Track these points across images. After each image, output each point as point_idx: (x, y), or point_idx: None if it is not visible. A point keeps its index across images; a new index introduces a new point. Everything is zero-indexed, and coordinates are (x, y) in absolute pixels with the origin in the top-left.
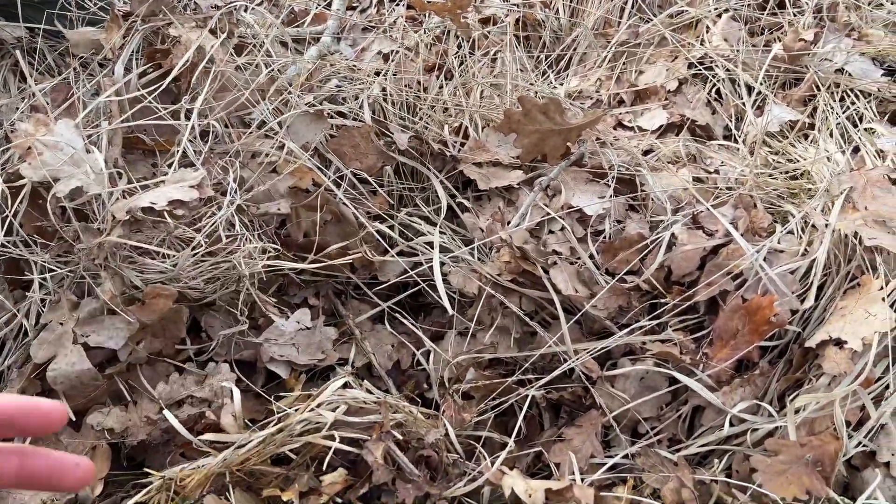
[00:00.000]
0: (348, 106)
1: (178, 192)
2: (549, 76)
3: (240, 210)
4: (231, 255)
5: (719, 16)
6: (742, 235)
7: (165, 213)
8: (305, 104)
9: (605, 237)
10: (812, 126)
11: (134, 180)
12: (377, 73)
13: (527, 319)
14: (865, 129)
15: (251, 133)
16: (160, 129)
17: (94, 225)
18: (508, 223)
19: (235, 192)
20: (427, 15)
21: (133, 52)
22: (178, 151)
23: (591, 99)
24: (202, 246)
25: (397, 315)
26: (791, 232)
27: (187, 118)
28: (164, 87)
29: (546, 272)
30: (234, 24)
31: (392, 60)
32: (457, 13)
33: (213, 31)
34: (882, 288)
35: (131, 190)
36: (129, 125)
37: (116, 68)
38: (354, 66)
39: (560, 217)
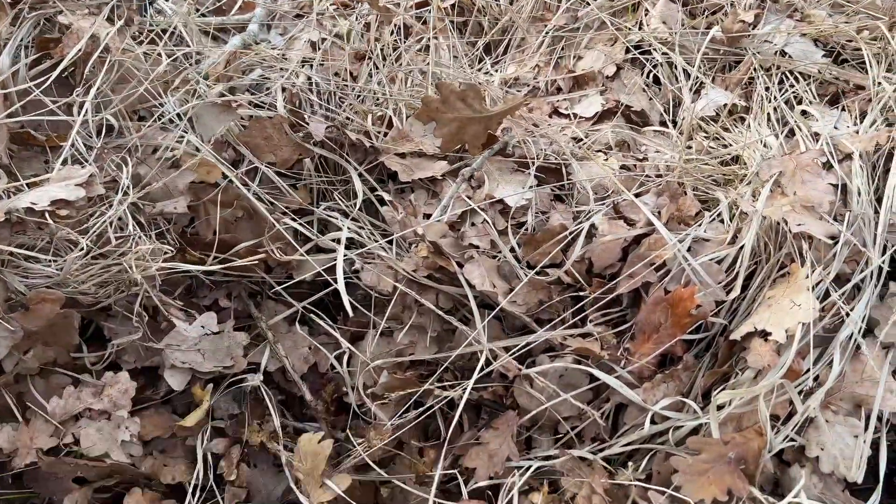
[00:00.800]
0: (264, 96)
1: (63, 191)
2: (485, 63)
3: (137, 209)
4: (122, 257)
5: None
6: (666, 224)
7: (47, 215)
8: (216, 94)
9: (527, 229)
10: (749, 109)
11: (20, 178)
12: (304, 63)
13: (445, 316)
14: (801, 113)
15: (150, 126)
16: (55, 124)
17: None
18: (428, 217)
19: (128, 189)
20: (359, 1)
21: (21, 41)
22: (68, 147)
23: (528, 86)
24: (89, 248)
25: (315, 316)
26: (721, 220)
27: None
28: (53, 78)
29: (461, 267)
30: (132, 10)
31: (320, 49)
32: None
33: (110, 19)
34: (808, 276)
35: (17, 188)
36: (16, 120)
37: (2, 58)
38: (281, 55)
39: (481, 209)
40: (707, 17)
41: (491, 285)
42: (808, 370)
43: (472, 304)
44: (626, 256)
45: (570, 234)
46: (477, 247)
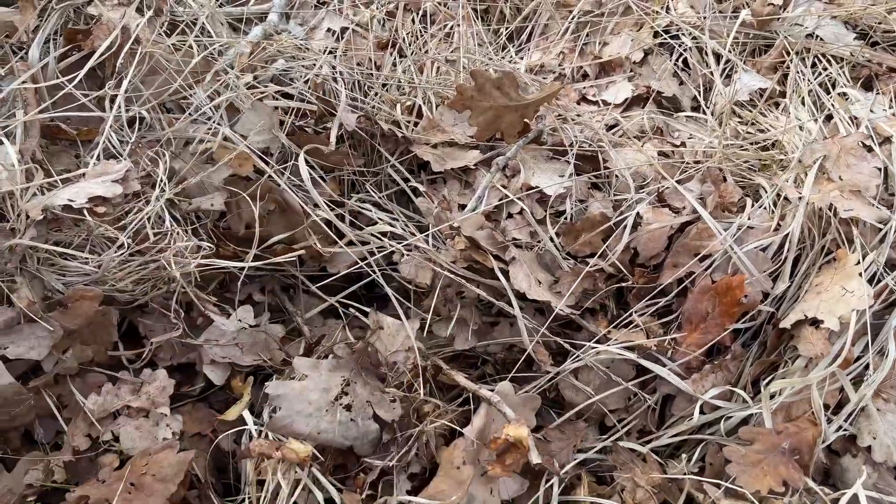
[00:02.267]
0: (295, 87)
1: (100, 187)
2: (509, 50)
3: (171, 204)
4: (160, 253)
5: None
6: (710, 212)
7: (85, 211)
8: (245, 85)
9: (566, 218)
10: (783, 94)
11: (54, 174)
12: (327, 52)
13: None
14: (839, 95)
15: (184, 119)
16: (84, 117)
17: (7, 225)
18: (462, 207)
19: (165, 185)
20: None
21: (50, 33)
22: (101, 142)
23: (554, 73)
24: (127, 246)
25: (352, 308)
26: (764, 207)
27: (112, 105)
28: (85, 71)
29: (504, 262)
30: (163, 1)
31: (343, 38)
32: None
33: (139, 10)
34: (858, 262)
35: (50, 185)
36: (47, 115)
37: (31, 52)
38: (303, 44)
39: (518, 199)
40: (733, 0)
41: (536, 282)
42: (860, 358)
43: (514, 304)
44: (671, 245)
45: (617, 223)
46: (518, 241)
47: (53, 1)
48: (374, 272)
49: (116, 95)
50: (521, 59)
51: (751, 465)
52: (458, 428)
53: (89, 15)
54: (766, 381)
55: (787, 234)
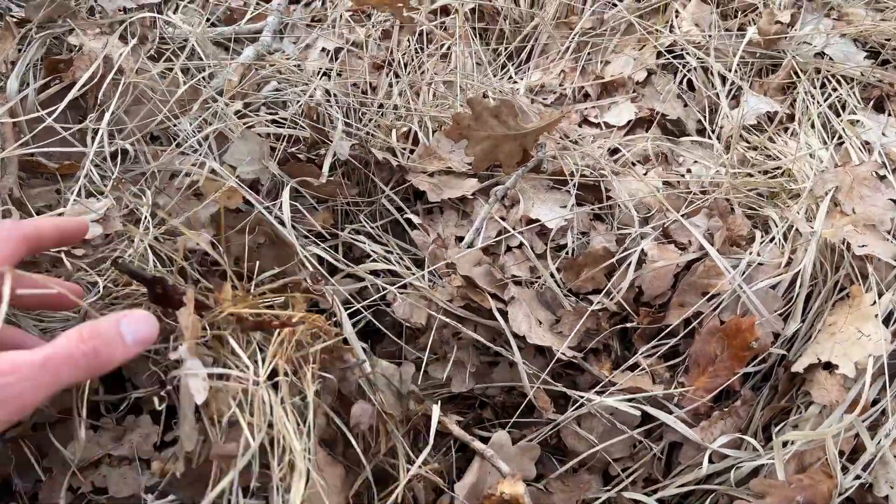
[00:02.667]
0: (288, 112)
1: None
2: (508, 70)
3: (157, 241)
4: (143, 297)
5: None
6: (718, 248)
7: (63, 254)
8: (234, 113)
9: (567, 253)
10: (791, 117)
11: (33, 211)
12: (321, 74)
13: (490, 345)
14: (849, 121)
15: (170, 152)
16: (66, 152)
17: None
18: (460, 239)
19: (148, 224)
20: (379, 10)
21: (30, 64)
22: (82, 178)
23: (555, 93)
24: (109, 290)
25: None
26: (773, 239)
27: (94, 138)
28: (66, 103)
29: (503, 301)
30: (146, 27)
31: (337, 59)
32: (398, 6)
33: (123, 38)
34: (875, 303)
35: None
36: (27, 150)
37: (10, 83)
38: (297, 65)
39: (517, 233)
40: (740, 17)
41: (536, 322)
42: (876, 401)
43: (516, 352)
44: (677, 283)
45: (620, 260)
46: (518, 278)
47: (33, 30)
48: (366, 313)
49: (98, 128)
50: (521, 79)
51: None
52: (444, 487)
53: (71, 44)
54: (778, 428)
55: (799, 272)
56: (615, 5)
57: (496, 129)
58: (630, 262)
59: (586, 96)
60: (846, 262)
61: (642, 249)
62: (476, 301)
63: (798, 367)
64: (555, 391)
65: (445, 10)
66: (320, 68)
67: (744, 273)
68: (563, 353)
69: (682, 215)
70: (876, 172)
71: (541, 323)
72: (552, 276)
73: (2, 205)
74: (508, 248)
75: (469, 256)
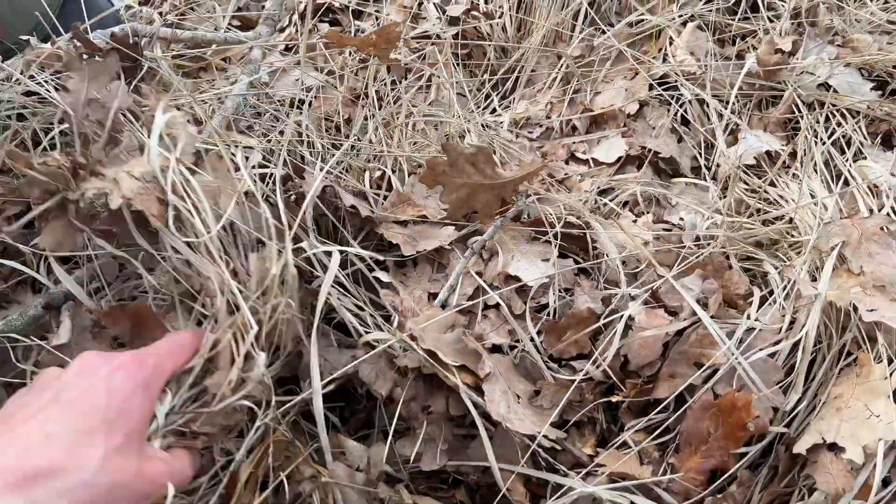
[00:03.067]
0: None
1: None
2: (492, 101)
3: None
4: None
5: (684, 24)
6: (715, 312)
7: None
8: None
9: (548, 313)
10: (793, 154)
11: None
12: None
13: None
14: (856, 163)
15: None
16: None
17: None
18: (434, 296)
19: None
20: (354, 33)
21: None
22: None
23: (541, 126)
24: None
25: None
26: (774, 300)
27: None
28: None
29: (473, 376)
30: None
31: (311, 92)
32: (383, 49)
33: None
34: (886, 378)
35: None
36: None
37: None
38: (279, 100)
39: (495, 287)
40: (738, 44)
41: (515, 398)
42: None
43: (481, 429)
44: (666, 352)
45: (606, 324)
46: (497, 344)
47: None
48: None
49: None
50: (506, 110)
51: None
52: None
53: None
54: None
55: (799, 341)
56: (604, 32)
57: (473, 176)
58: (616, 330)
59: (574, 129)
60: (853, 324)
61: (629, 315)
62: (442, 375)
63: (800, 447)
64: (533, 480)
65: (426, 36)
66: (293, 100)
67: (740, 341)
68: (546, 437)
69: (675, 275)
70: (886, 227)
71: (519, 398)
72: (532, 341)
73: None
74: (486, 306)
75: (437, 324)
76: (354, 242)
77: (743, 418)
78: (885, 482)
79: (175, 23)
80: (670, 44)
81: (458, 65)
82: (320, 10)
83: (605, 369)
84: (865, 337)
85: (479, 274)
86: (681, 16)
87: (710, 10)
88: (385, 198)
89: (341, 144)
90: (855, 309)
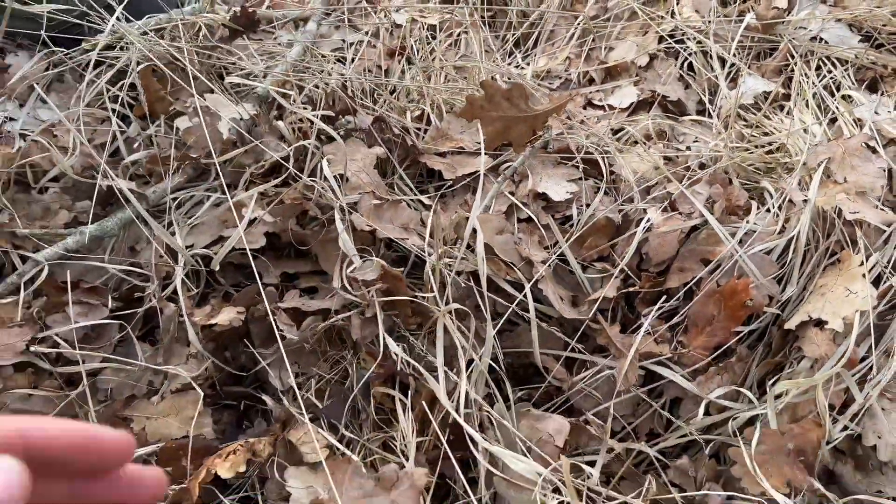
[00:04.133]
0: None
1: None
2: (515, 56)
3: None
4: None
5: None
6: (718, 216)
7: None
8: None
9: (572, 224)
10: (788, 97)
11: None
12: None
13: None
14: (842, 97)
15: None
16: None
17: None
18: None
19: None
20: None
21: None
22: None
23: (560, 78)
24: None
25: None
26: (768, 210)
27: None
28: None
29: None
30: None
31: (352, 46)
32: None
33: None
34: (862, 264)
35: None
36: None
37: None
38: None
39: (524, 204)
40: (738, 3)
41: (559, 298)
42: (865, 358)
43: (533, 318)
44: (678, 250)
45: (627, 227)
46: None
47: None
48: None
49: None
50: (528, 64)
51: (756, 465)
52: None
53: None
54: (772, 382)
55: (792, 238)
56: None
57: (508, 111)
58: (636, 231)
59: (591, 81)
60: (837, 228)
61: (648, 218)
62: (494, 271)
63: (790, 324)
64: (561, 356)
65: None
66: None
67: (741, 241)
68: (591, 326)
69: (685, 186)
70: (866, 144)
71: (562, 299)
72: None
73: None
74: (519, 220)
75: (491, 220)
76: (400, 169)
77: (742, 299)
78: (864, 358)
79: None
80: (677, 3)
81: (483, 24)
82: None
83: (622, 267)
84: (847, 240)
85: (512, 194)
86: None
87: None
88: (425, 132)
89: (384, 86)
90: (839, 213)
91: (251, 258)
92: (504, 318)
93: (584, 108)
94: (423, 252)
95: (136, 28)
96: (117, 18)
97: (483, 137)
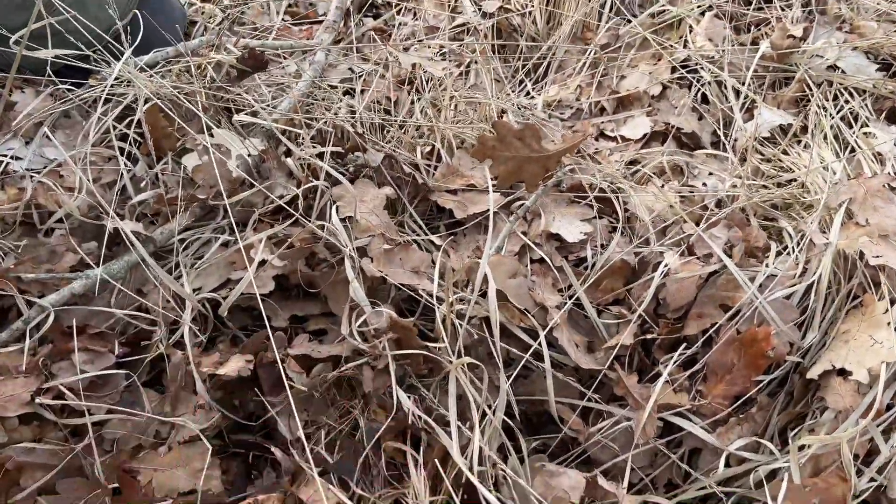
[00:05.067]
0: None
1: None
2: (526, 85)
3: None
4: None
5: (703, 13)
6: (738, 260)
7: None
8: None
9: (586, 266)
10: (805, 129)
11: None
12: (345, 93)
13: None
14: (863, 133)
15: None
16: None
17: None
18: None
19: None
20: (397, 26)
21: None
22: None
23: (571, 108)
24: None
25: None
26: (788, 252)
27: None
28: None
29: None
30: None
31: (360, 77)
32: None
33: None
34: (887, 311)
35: None
36: None
37: None
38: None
39: (537, 244)
40: (753, 32)
41: (575, 346)
42: (891, 407)
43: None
44: (696, 295)
45: (644, 272)
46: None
47: None
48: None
49: None
50: (539, 94)
51: None
52: None
53: None
54: (794, 433)
55: (813, 283)
56: (629, 21)
57: (520, 150)
58: (653, 275)
59: (602, 110)
60: (859, 271)
61: (665, 263)
62: (506, 317)
63: (813, 373)
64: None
65: (465, 28)
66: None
67: (761, 285)
68: (607, 374)
69: (703, 228)
70: (889, 185)
71: (578, 346)
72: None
73: None
74: (531, 261)
75: (504, 263)
76: (410, 207)
77: (763, 348)
78: (889, 407)
79: (237, 18)
80: (690, 31)
81: (493, 54)
82: (364, 5)
83: (639, 312)
84: (870, 282)
85: (525, 233)
86: (699, 6)
87: (727, 1)
88: (435, 168)
89: (392, 122)
90: (861, 256)
91: (260, 301)
92: (518, 367)
93: (597, 139)
94: (433, 301)
95: (143, 63)
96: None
97: (495, 177)
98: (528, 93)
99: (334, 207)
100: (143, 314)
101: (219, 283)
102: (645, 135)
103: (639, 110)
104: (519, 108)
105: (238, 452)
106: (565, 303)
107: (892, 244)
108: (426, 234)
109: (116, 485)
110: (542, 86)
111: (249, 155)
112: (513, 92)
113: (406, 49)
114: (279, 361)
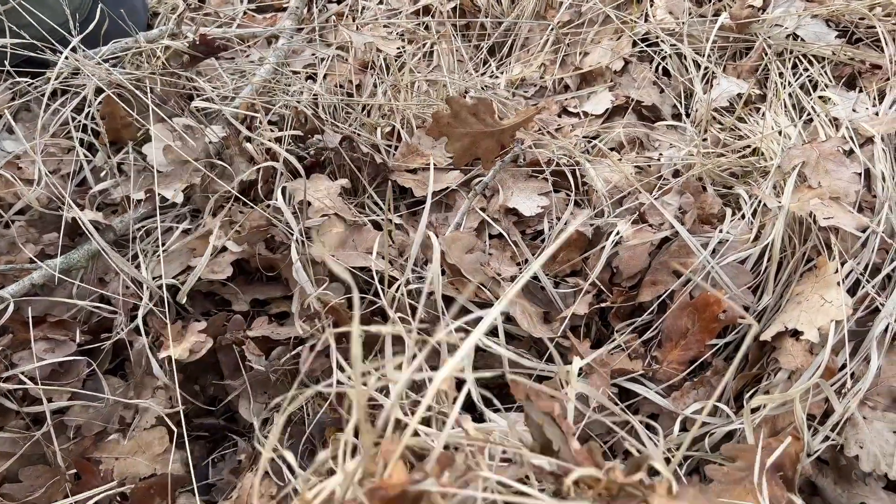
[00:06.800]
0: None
1: None
2: (490, 65)
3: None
4: None
5: None
6: (690, 227)
7: None
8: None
9: (542, 239)
10: (764, 97)
11: None
12: (308, 78)
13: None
14: (819, 98)
15: None
16: None
17: None
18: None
19: None
20: (360, 10)
21: None
22: None
23: (535, 86)
24: None
25: None
26: (743, 217)
27: None
28: None
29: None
30: None
31: (323, 62)
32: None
33: None
34: (837, 271)
35: None
36: None
37: None
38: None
39: (495, 220)
40: (714, 4)
41: (529, 317)
42: (844, 367)
43: (501, 337)
44: (650, 262)
45: (593, 241)
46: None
47: None
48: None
49: None
50: (502, 73)
51: (733, 483)
52: None
53: None
54: (749, 395)
55: (767, 246)
56: None
57: (474, 126)
58: (605, 245)
59: (566, 87)
60: (813, 234)
61: (616, 231)
62: (459, 290)
63: (766, 335)
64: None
65: (426, 10)
66: (307, 73)
67: (714, 251)
68: (561, 343)
69: (655, 197)
70: (842, 148)
71: (532, 317)
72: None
73: None
74: (490, 237)
75: (461, 240)
76: (370, 188)
77: (715, 311)
78: (843, 367)
79: (199, 7)
80: (651, 4)
81: (456, 34)
82: None
83: (593, 280)
84: (823, 244)
85: (483, 209)
86: None
87: None
88: (395, 149)
89: (353, 104)
90: (813, 218)
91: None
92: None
93: (560, 115)
94: (376, 281)
95: (98, 55)
96: (73, 49)
97: (452, 155)
98: (491, 73)
99: (281, 190)
100: (104, 305)
101: (180, 269)
102: (607, 110)
103: (601, 86)
104: (482, 88)
105: (201, 436)
106: (519, 275)
107: (843, 206)
108: (385, 215)
109: (76, 471)
110: (506, 64)
111: (211, 142)
112: (476, 71)
113: (359, 29)
114: (234, 344)
